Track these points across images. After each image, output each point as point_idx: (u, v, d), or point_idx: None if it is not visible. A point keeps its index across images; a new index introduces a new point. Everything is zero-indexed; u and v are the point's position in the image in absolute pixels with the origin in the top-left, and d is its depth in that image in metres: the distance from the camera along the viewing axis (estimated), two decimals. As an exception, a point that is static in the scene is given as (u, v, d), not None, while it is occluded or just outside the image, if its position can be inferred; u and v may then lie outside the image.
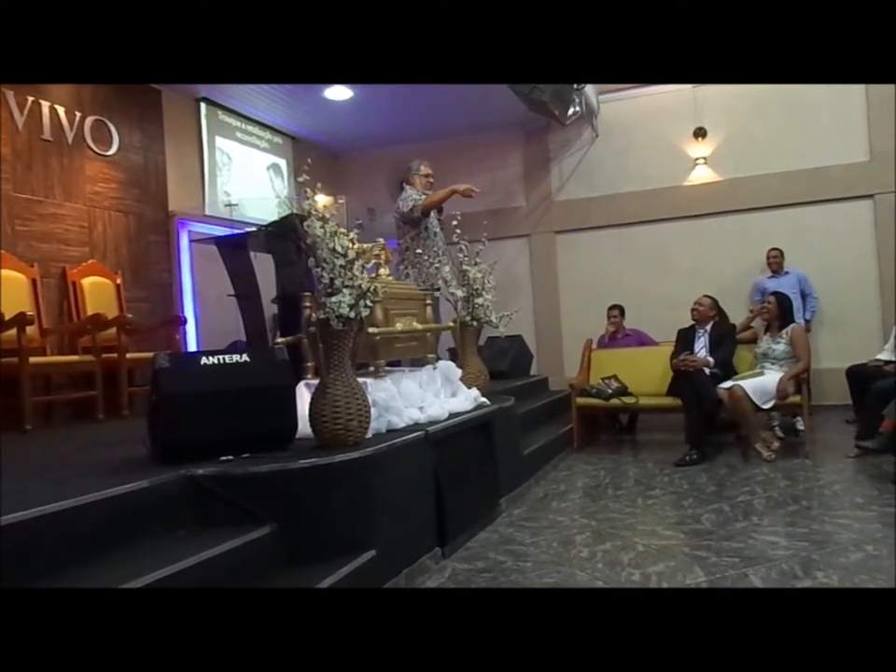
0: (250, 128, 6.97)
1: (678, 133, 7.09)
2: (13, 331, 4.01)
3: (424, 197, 4.87)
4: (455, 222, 4.27)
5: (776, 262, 6.31)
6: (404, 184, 5.02)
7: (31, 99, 4.81)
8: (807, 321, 6.14)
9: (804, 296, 6.23)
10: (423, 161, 5.05)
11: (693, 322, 5.21)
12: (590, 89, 6.56)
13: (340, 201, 3.09)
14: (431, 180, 5.03)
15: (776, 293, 5.10)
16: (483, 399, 3.82)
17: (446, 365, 3.72)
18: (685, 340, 5.16)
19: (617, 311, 6.25)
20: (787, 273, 6.29)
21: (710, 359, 4.87)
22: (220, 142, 6.57)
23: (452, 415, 3.35)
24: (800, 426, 5.14)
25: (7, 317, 4.00)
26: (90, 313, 4.81)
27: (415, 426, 3.05)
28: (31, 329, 4.20)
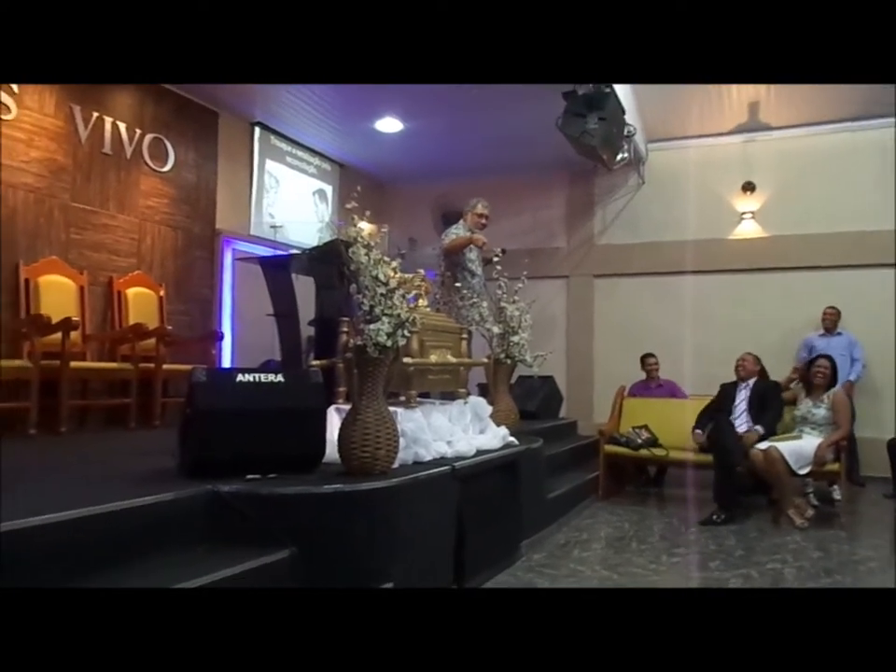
0: (300, 153, 7.13)
1: (726, 185, 7.05)
2: (58, 335, 4.11)
3: (466, 234, 4.94)
4: (495, 259, 4.29)
5: (830, 320, 6.16)
6: (447, 217, 5.07)
7: (96, 114, 5.00)
8: (851, 382, 5.96)
9: (851, 360, 6.04)
10: (482, 201, 5.10)
11: (735, 378, 5.11)
12: (639, 136, 6.59)
13: (383, 229, 3.11)
14: (484, 221, 5.07)
15: (828, 357, 4.92)
16: (512, 439, 3.77)
17: (477, 401, 3.69)
18: (725, 395, 5.06)
19: (655, 359, 6.18)
20: (839, 333, 6.14)
21: (759, 429, 4.71)
22: (270, 165, 6.73)
23: (479, 452, 3.32)
24: (836, 495, 4.95)
25: (53, 321, 4.10)
26: (132, 322, 4.92)
27: (442, 460, 3.02)
28: (74, 335, 4.30)
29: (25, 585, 1.61)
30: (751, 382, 5.03)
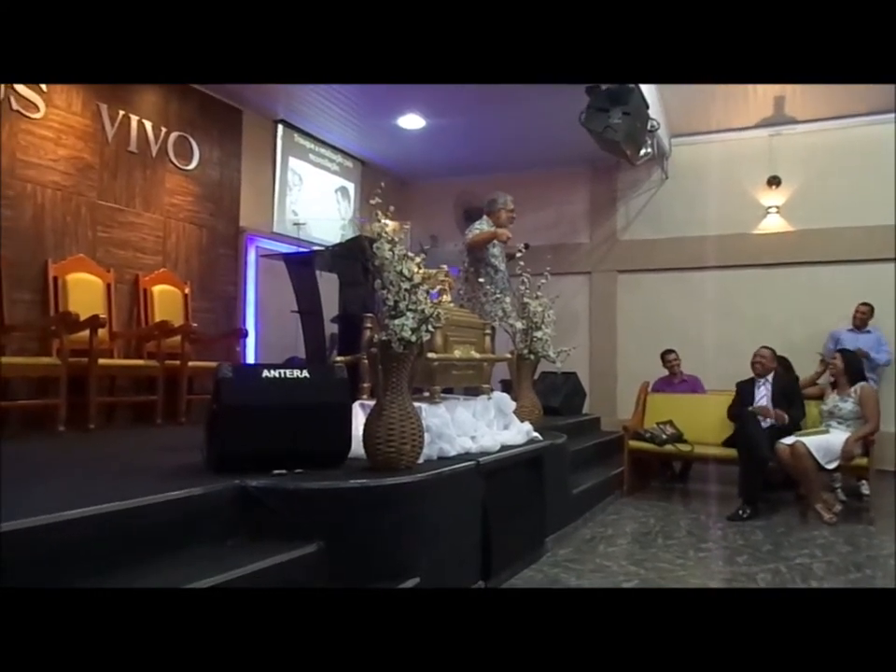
0: (323, 150, 7.15)
1: (751, 179, 6.96)
2: (85, 333, 4.17)
3: (490, 229, 4.93)
4: (519, 254, 4.28)
5: (861, 318, 6.06)
6: (469, 213, 5.06)
7: (122, 113, 5.06)
8: (878, 365, 5.91)
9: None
10: (508, 196, 5.09)
11: (752, 375, 5.04)
12: (663, 131, 6.53)
13: (405, 226, 3.12)
14: (514, 215, 5.08)
15: (842, 350, 4.93)
16: (536, 434, 3.77)
17: (500, 396, 3.69)
18: (744, 393, 5.00)
19: (675, 354, 6.13)
20: (868, 330, 6.05)
21: (785, 416, 4.68)
22: (293, 162, 6.76)
23: (503, 447, 3.31)
24: (865, 489, 4.89)
25: (81, 318, 4.15)
26: (157, 319, 4.97)
27: (466, 455, 3.03)
28: (102, 332, 4.35)
29: (54, 581, 1.64)
30: (770, 377, 4.96)
